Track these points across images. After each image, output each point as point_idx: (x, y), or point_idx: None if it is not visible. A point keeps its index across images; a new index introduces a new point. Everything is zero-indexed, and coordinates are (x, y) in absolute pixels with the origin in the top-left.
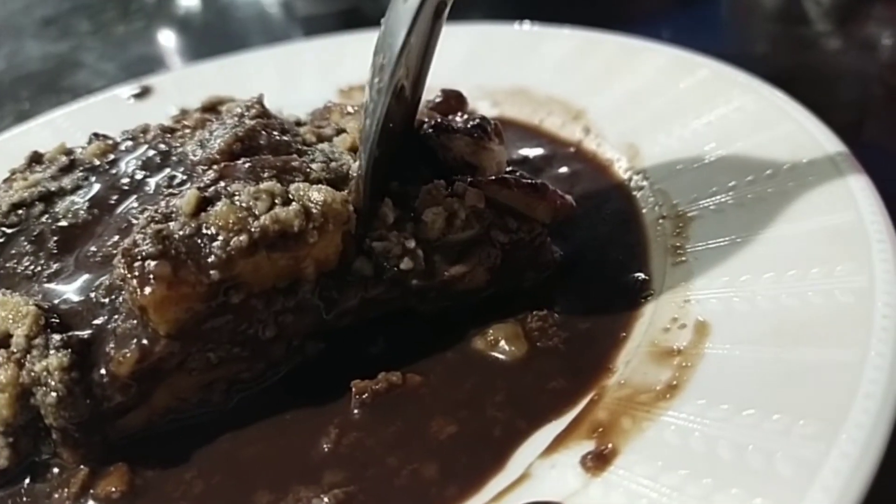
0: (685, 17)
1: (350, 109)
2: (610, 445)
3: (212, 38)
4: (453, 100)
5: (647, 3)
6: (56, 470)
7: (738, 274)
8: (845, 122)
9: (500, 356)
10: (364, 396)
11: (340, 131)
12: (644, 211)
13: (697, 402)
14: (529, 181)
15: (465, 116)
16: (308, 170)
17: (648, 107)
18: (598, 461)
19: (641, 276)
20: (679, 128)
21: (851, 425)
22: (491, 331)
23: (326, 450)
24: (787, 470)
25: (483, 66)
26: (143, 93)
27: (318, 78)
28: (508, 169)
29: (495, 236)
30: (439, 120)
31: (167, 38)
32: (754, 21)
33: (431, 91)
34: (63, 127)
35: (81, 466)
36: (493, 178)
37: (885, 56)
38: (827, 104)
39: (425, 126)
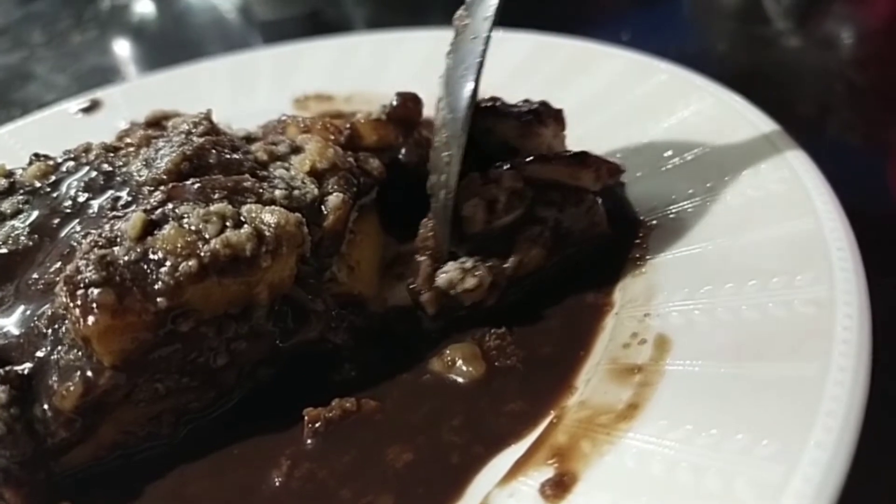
0: (646, 17)
1: (308, 123)
2: (569, 472)
3: (168, 45)
4: (410, 102)
5: (605, 4)
6: None
7: (698, 285)
8: (807, 119)
9: (458, 378)
10: (317, 425)
11: (295, 149)
12: None
13: (658, 423)
14: (567, 153)
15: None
16: (261, 190)
17: (605, 112)
18: (558, 489)
19: (600, 289)
20: (637, 134)
21: (813, 446)
22: (448, 351)
23: (278, 483)
24: (748, 495)
25: (440, 71)
26: (92, 107)
27: (272, 88)
28: None
29: (541, 212)
30: (491, 104)
31: (122, 48)
32: (715, 20)
33: (387, 97)
34: (8, 144)
35: None
36: (530, 157)
37: (845, 53)
38: (788, 102)
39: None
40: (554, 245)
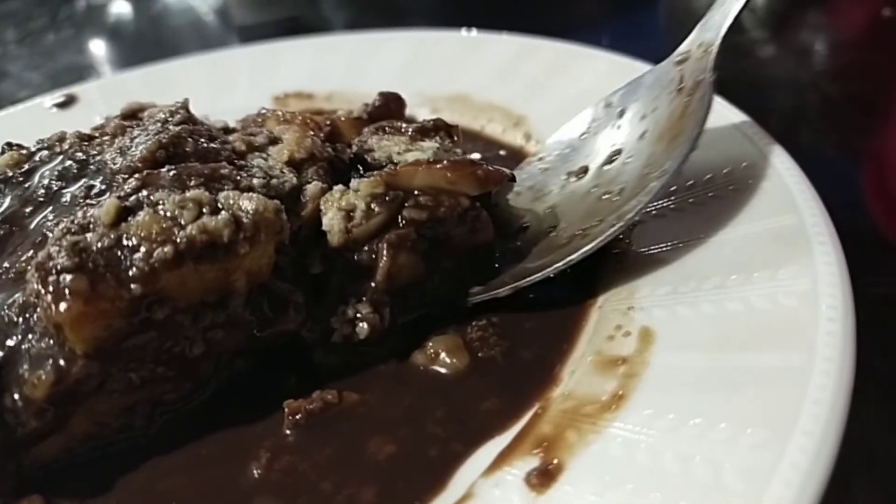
0: (623, 24)
1: (288, 116)
2: (555, 461)
3: (144, 47)
4: (392, 102)
5: (584, 11)
6: None
7: (681, 280)
8: (781, 128)
9: (441, 370)
10: (297, 417)
11: (273, 140)
12: None
13: (643, 413)
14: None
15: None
16: (238, 178)
17: None
18: (544, 478)
19: (584, 284)
20: None
21: (800, 433)
22: (431, 343)
23: (257, 475)
24: (736, 482)
25: (423, 73)
26: (68, 102)
27: (251, 85)
28: None
29: (409, 215)
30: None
31: (97, 47)
32: (691, 28)
33: (367, 97)
34: None
35: None
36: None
37: (820, 63)
38: (762, 111)
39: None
40: (431, 252)
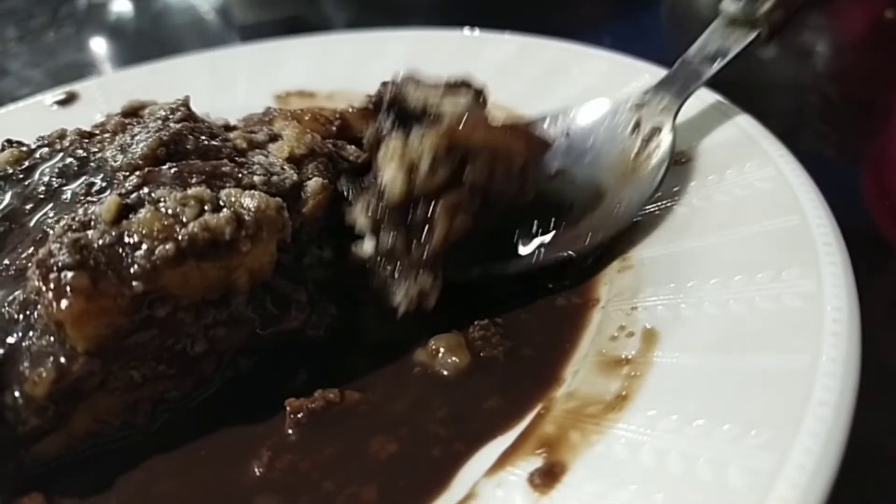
0: (624, 25)
1: (296, 115)
2: (558, 462)
3: (145, 45)
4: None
5: (586, 12)
6: None
7: (684, 280)
8: (782, 129)
9: (442, 368)
10: (299, 416)
11: (273, 137)
12: None
13: (647, 414)
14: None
15: None
16: (240, 175)
17: None
18: (546, 478)
19: (587, 284)
20: None
21: (805, 435)
22: (432, 342)
23: (258, 474)
24: (741, 482)
25: (424, 72)
26: (68, 99)
27: (253, 84)
28: None
29: (472, 177)
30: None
31: (98, 45)
32: (692, 29)
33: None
34: None
35: None
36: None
37: (821, 64)
38: (764, 112)
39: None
40: (480, 212)
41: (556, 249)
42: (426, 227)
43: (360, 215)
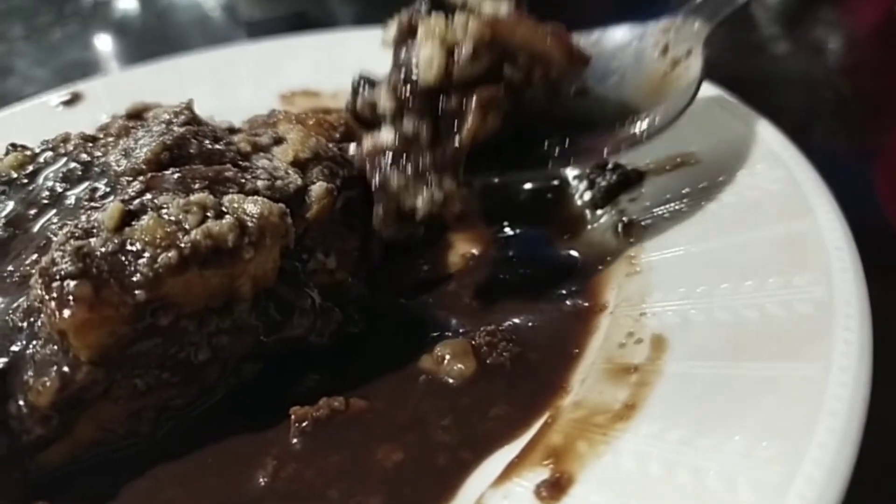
0: (633, 21)
1: (301, 119)
2: (565, 473)
3: (150, 42)
4: None
5: (594, 10)
6: None
7: (694, 285)
8: (794, 126)
9: (448, 375)
10: (304, 424)
11: (278, 140)
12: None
13: (656, 423)
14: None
15: None
16: (243, 180)
17: None
18: (553, 490)
19: (594, 289)
20: None
21: (816, 446)
22: (438, 348)
23: (263, 483)
24: (751, 495)
25: None
26: (73, 100)
27: (258, 83)
28: None
29: (509, 75)
30: None
31: (104, 43)
32: None
33: None
34: None
35: None
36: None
37: (833, 59)
38: (775, 108)
39: None
40: (510, 113)
41: (578, 160)
42: (455, 120)
43: (384, 96)
